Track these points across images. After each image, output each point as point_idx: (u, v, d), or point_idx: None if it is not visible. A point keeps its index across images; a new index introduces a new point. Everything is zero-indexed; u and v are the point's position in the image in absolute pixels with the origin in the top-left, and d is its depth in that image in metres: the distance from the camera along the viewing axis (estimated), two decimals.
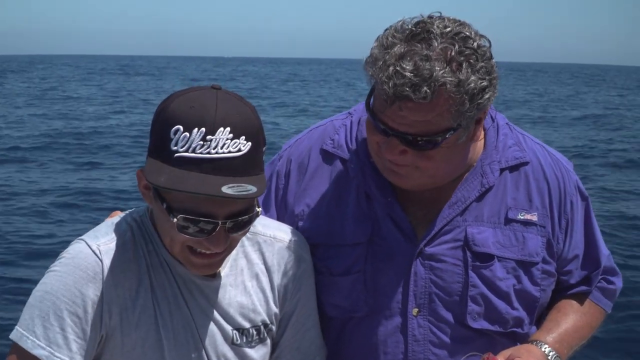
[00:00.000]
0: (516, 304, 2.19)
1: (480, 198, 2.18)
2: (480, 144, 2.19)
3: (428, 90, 1.89)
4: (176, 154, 1.77)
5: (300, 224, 2.23)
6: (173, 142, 1.77)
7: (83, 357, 1.89)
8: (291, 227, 2.19)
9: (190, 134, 1.76)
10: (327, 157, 2.27)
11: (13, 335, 1.88)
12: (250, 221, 1.88)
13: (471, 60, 1.93)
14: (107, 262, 1.91)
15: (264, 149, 1.87)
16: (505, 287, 2.16)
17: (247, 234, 2.02)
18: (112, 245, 1.93)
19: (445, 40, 1.93)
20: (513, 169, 2.22)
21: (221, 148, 1.77)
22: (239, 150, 1.79)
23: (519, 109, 34.70)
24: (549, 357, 2.15)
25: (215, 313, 2.01)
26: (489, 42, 2.02)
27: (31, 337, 1.86)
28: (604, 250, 2.33)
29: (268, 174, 2.27)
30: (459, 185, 2.17)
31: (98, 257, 1.90)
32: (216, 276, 2.02)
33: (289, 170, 2.30)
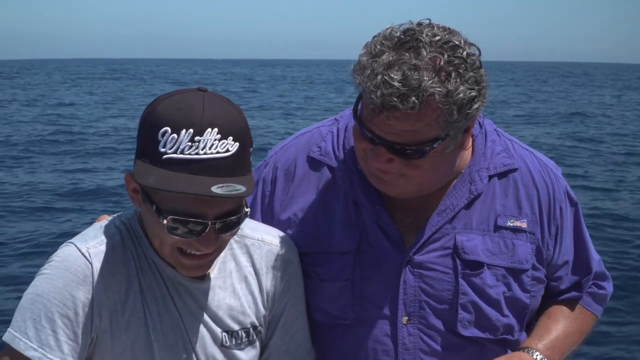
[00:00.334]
0: (506, 311, 2.18)
1: (468, 205, 2.17)
2: (468, 151, 2.17)
3: (416, 101, 1.87)
4: (165, 156, 1.78)
5: (288, 232, 2.21)
6: (161, 143, 1.78)
7: (75, 359, 1.90)
8: (279, 230, 2.19)
9: (179, 136, 1.77)
10: (314, 164, 2.26)
11: (6, 337, 1.90)
12: (239, 221, 1.89)
13: (460, 70, 1.91)
14: (96, 264, 1.91)
15: (251, 149, 1.88)
16: (495, 294, 2.15)
17: (235, 237, 2.04)
18: (102, 248, 1.93)
19: (435, 49, 1.91)
20: (502, 175, 2.20)
21: (209, 149, 1.78)
22: (227, 150, 1.80)
23: (509, 110, 34.89)
24: None
25: (205, 315, 2.02)
26: (479, 50, 1.99)
27: (23, 339, 1.87)
28: (594, 255, 2.33)
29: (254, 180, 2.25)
30: (447, 193, 2.16)
31: (88, 259, 1.90)
32: (205, 278, 2.02)
33: (275, 177, 2.28)
